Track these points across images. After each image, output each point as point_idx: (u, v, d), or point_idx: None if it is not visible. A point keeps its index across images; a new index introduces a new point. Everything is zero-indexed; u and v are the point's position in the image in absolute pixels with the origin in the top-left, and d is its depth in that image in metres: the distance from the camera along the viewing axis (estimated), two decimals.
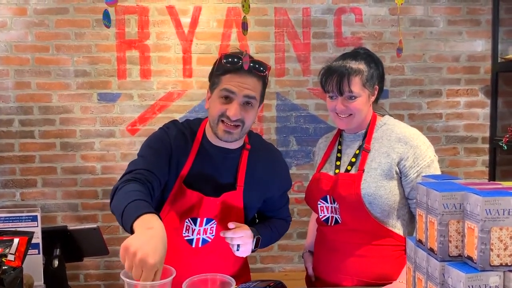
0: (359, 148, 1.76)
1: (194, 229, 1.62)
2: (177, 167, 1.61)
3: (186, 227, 1.62)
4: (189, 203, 1.61)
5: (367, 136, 1.76)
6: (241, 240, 1.59)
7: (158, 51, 3.18)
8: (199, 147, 1.64)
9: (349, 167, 1.75)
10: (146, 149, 1.62)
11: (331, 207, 1.74)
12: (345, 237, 1.73)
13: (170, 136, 1.63)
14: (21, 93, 3.15)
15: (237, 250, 1.60)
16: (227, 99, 1.53)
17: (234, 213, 1.63)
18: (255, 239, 1.64)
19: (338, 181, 1.72)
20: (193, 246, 1.63)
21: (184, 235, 1.63)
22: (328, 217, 1.77)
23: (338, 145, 1.85)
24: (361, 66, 1.70)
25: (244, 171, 1.65)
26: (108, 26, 1.39)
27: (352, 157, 1.76)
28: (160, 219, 1.27)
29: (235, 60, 1.52)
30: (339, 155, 1.82)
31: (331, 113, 1.78)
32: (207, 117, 1.71)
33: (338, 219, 1.74)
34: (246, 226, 1.62)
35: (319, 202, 1.78)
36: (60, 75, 3.16)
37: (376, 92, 1.76)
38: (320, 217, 1.80)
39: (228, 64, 1.52)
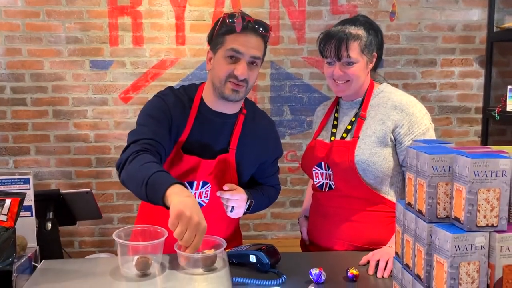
0: (356, 115, 1.77)
1: (190, 192, 1.63)
2: (176, 134, 1.62)
3: None
4: (187, 166, 1.63)
5: (363, 103, 1.76)
6: (236, 202, 1.61)
7: (151, 18, 3.14)
8: (197, 113, 1.64)
9: (344, 134, 1.76)
10: (147, 118, 1.60)
11: (326, 173, 1.76)
12: (338, 202, 1.76)
13: (168, 104, 1.62)
14: (12, 59, 3.11)
15: (231, 211, 1.63)
16: (233, 58, 1.54)
17: (228, 176, 1.66)
18: (248, 203, 1.67)
19: (333, 148, 1.74)
20: None
21: None
22: (323, 183, 1.79)
23: (335, 113, 1.85)
24: (360, 32, 1.69)
25: (238, 135, 1.67)
26: None
27: (348, 125, 1.77)
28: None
29: (241, 21, 1.50)
30: (335, 122, 1.82)
31: (328, 80, 1.77)
32: (202, 82, 1.72)
33: (332, 185, 1.76)
34: (241, 189, 1.64)
35: (314, 169, 1.80)
36: (52, 42, 3.12)
37: (374, 60, 1.75)
38: (315, 183, 1.82)
39: (233, 24, 1.51)
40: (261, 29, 1.56)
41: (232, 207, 1.62)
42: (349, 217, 1.74)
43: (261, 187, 1.80)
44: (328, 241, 1.79)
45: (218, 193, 1.61)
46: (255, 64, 1.58)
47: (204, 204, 1.66)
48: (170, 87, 1.72)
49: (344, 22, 1.74)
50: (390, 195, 1.74)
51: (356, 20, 1.74)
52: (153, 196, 1.35)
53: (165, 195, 1.29)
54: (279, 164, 1.80)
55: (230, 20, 1.53)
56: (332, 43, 1.68)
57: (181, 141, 1.62)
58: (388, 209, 1.72)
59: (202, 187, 1.64)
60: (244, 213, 1.69)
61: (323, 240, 1.81)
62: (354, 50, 1.67)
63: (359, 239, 1.73)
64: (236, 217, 1.70)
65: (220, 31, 1.56)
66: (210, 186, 1.65)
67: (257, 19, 1.58)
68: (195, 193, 1.65)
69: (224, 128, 1.67)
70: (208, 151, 1.64)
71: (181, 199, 1.26)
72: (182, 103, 1.64)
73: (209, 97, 1.65)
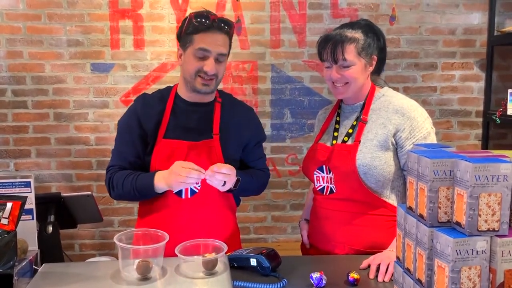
0: (357, 119, 1.77)
1: None
2: (155, 131, 1.73)
3: None
4: (172, 151, 1.72)
5: (364, 107, 1.77)
6: (226, 176, 1.62)
7: (152, 21, 3.14)
8: (173, 106, 1.77)
9: (346, 138, 1.76)
10: (117, 141, 1.82)
11: (327, 177, 1.77)
12: (339, 206, 1.76)
13: (137, 110, 1.77)
14: (13, 62, 3.11)
15: (223, 186, 1.65)
16: (202, 56, 1.66)
17: (215, 162, 1.69)
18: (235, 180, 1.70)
19: (334, 152, 1.74)
20: (183, 197, 1.70)
21: None
22: (324, 186, 1.79)
23: (336, 117, 1.86)
24: (357, 34, 1.70)
25: (218, 121, 1.77)
26: None
27: (350, 128, 1.78)
28: None
29: (205, 19, 1.64)
30: (337, 126, 1.83)
31: (328, 82, 1.79)
32: (176, 83, 1.84)
33: (333, 189, 1.76)
34: (231, 166, 1.66)
35: (315, 172, 1.81)
36: (53, 45, 3.12)
37: (374, 62, 1.75)
38: (316, 186, 1.82)
39: (199, 24, 1.64)
40: (226, 27, 1.67)
41: (224, 182, 1.64)
42: (349, 221, 1.74)
43: (249, 170, 1.85)
44: (328, 244, 1.79)
45: (216, 168, 1.61)
46: (222, 59, 1.70)
47: (197, 191, 1.72)
48: (143, 94, 1.87)
49: (342, 26, 1.76)
50: (391, 199, 1.73)
51: (354, 24, 1.75)
52: (147, 194, 1.68)
53: (155, 183, 1.64)
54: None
55: (198, 20, 1.64)
56: (329, 46, 1.70)
57: (161, 132, 1.73)
58: (389, 213, 1.72)
59: None
60: (231, 190, 1.72)
61: (323, 243, 1.81)
62: (350, 53, 1.68)
63: (360, 243, 1.73)
64: (223, 190, 1.69)
65: (188, 30, 1.67)
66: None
67: (221, 17, 1.69)
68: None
69: (200, 115, 1.77)
70: (191, 138, 1.73)
71: (166, 171, 1.62)
72: (153, 101, 1.79)
73: (182, 91, 1.78)
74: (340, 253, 1.75)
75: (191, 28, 1.66)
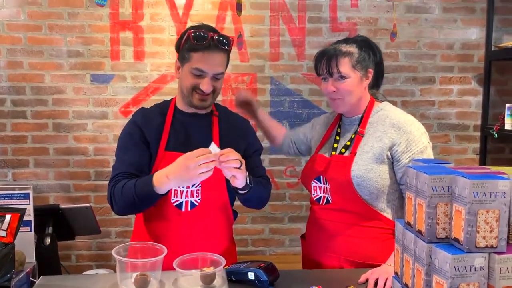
0: (355, 132, 1.80)
1: (182, 191, 1.68)
2: (156, 141, 1.71)
3: (174, 191, 1.68)
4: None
5: (362, 120, 1.80)
6: (235, 162, 1.51)
7: (152, 33, 3.16)
8: (173, 119, 1.76)
9: (343, 150, 1.80)
10: (119, 151, 1.75)
11: (324, 187, 1.80)
12: (334, 216, 1.78)
13: (137, 121, 1.75)
14: (13, 72, 3.12)
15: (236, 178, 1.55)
16: (199, 74, 1.66)
17: (215, 174, 1.62)
18: (247, 177, 1.61)
19: (331, 163, 1.78)
20: (183, 210, 1.69)
21: (172, 200, 1.68)
22: (320, 196, 1.82)
23: (337, 128, 1.90)
24: (352, 48, 1.75)
25: (217, 134, 1.77)
26: (102, 5, 1.39)
27: (348, 141, 1.81)
28: None
29: (203, 39, 1.62)
30: (337, 137, 1.87)
31: (326, 96, 1.84)
32: (175, 96, 1.84)
33: (329, 199, 1.79)
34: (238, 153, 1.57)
35: (312, 182, 1.84)
36: (53, 55, 3.13)
37: (370, 75, 1.79)
38: (313, 196, 1.86)
39: (198, 44, 1.62)
40: (224, 46, 1.66)
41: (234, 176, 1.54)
42: (344, 231, 1.76)
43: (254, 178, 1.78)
44: (323, 255, 1.80)
45: (224, 156, 1.51)
46: (219, 76, 1.70)
47: (197, 204, 1.70)
48: (141, 108, 1.85)
49: (338, 42, 1.81)
50: (387, 212, 1.75)
51: (349, 39, 1.81)
52: (148, 197, 1.57)
53: (155, 186, 1.53)
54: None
55: (194, 41, 1.63)
56: (324, 60, 1.75)
57: (162, 145, 1.71)
58: (384, 225, 1.73)
59: (192, 185, 1.68)
60: (244, 193, 1.63)
61: (318, 253, 1.83)
62: (345, 66, 1.72)
63: (354, 254, 1.74)
64: (240, 185, 1.58)
65: (186, 46, 1.66)
66: (200, 185, 1.68)
67: (220, 35, 1.66)
68: (187, 191, 1.68)
69: (199, 125, 1.77)
70: (191, 149, 1.65)
71: (168, 168, 1.53)
72: (153, 114, 1.78)
73: (180, 103, 1.78)
74: (335, 264, 1.77)
75: (189, 45, 1.65)
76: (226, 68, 1.74)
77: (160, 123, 1.75)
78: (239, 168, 1.51)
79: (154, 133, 1.73)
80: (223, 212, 1.78)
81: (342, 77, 1.73)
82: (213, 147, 1.51)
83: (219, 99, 2.97)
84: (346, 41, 1.79)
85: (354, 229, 1.75)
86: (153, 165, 1.70)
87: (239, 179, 1.54)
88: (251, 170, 1.79)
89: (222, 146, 1.68)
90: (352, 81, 1.74)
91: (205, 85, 1.65)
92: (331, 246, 1.78)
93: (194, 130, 1.76)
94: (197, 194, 1.69)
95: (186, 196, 1.69)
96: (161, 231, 1.70)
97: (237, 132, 1.83)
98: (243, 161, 1.55)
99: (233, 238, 1.90)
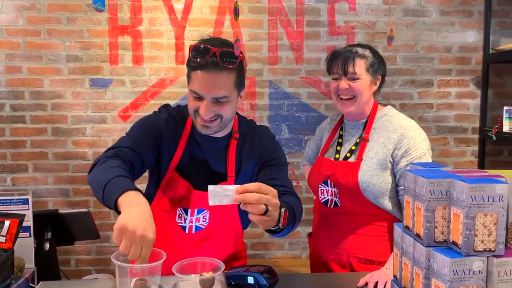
0: (360, 137, 1.84)
1: (186, 218, 1.63)
2: (169, 155, 1.60)
3: (179, 215, 1.63)
4: (180, 193, 1.61)
5: (366, 125, 1.84)
6: (258, 213, 1.22)
7: (151, 37, 3.17)
8: (189, 135, 1.62)
9: (348, 154, 1.84)
10: (134, 128, 1.61)
11: (331, 190, 1.84)
12: (344, 218, 1.84)
13: (160, 120, 1.62)
14: (12, 77, 3.13)
15: (265, 213, 1.22)
16: (197, 97, 1.48)
17: (229, 207, 1.58)
18: (282, 212, 1.31)
19: (338, 168, 1.82)
20: (187, 232, 1.64)
21: (177, 221, 1.64)
22: (328, 199, 1.86)
23: (340, 131, 1.94)
24: (366, 53, 1.82)
25: (233, 161, 1.61)
26: (100, 10, 1.39)
27: (353, 145, 1.85)
28: (143, 194, 1.28)
29: (200, 56, 1.42)
30: (340, 140, 1.91)
31: (333, 96, 1.87)
32: None
33: (338, 203, 1.83)
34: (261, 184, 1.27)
35: (320, 185, 1.88)
36: (52, 60, 3.14)
37: (378, 82, 1.85)
38: (320, 198, 1.90)
39: (194, 61, 1.43)
40: (229, 65, 1.42)
41: (267, 208, 1.22)
42: (354, 230, 1.82)
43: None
44: (332, 252, 1.85)
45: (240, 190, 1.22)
46: (223, 100, 1.47)
47: (203, 227, 1.64)
48: (166, 105, 1.71)
49: (351, 45, 1.88)
50: (394, 210, 1.80)
51: (362, 44, 1.88)
52: (107, 200, 1.31)
53: (117, 203, 1.24)
54: None
55: (192, 57, 1.44)
56: (340, 60, 1.80)
57: (174, 162, 1.60)
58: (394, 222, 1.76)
59: (198, 213, 1.62)
60: (274, 231, 1.36)
61: (328, 251, 1.86)
62: (361, 67, 1.79)
63: (363, 251, 1.79)
64: (267, 227, 1.29)
65: (188, 62, 1.50)
66: (208, 211, 1.62)
67: (223, 51, 1.42)
68: (192, 218, 1.62)
69: (213, 151, 1.61)
70: (202, 174, 1.60)
71: (128, 209, 1.19)
72: (175, 121, 1.63)
73: None
74: (343, 261, 1.81)
75: (187, 62, 1.50)
76: (239, 89, 1.52)
77: (177, 135, 1.60)
78: (264, 214, 1.21)
79: (170, 143, 1.59)
80: (231, 227, 1.66)
81: (355, 78, 1.78)
82: (216, 190, 1.23)
83: None
84: (360, 45, 1.85)
85: (364, 228, 1.81)
86: (161, 181, 1.59)
87: (264, 227, 1.27)
88: (266, 182, 1.35)
89: (237, 174, 1.52)
90: (364, 83, 1.79)
91: (203, 110, 1.45)
92: (340, 243, 1.83)
93: (209, 153, 1.60)
94: (204, 219, 1.62)
95: (191, 222, 1.61)
96: (164, 245, 1.55)
97: (254, 153, 1.62)
98: (274, 202, 1.23)
99: (244, 245, 1.84)
